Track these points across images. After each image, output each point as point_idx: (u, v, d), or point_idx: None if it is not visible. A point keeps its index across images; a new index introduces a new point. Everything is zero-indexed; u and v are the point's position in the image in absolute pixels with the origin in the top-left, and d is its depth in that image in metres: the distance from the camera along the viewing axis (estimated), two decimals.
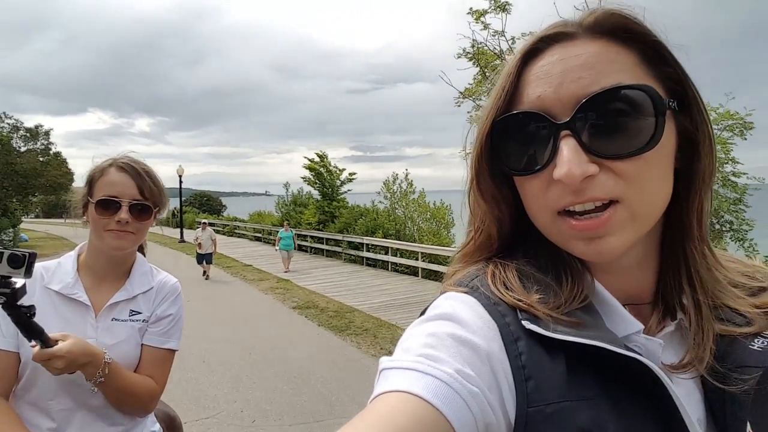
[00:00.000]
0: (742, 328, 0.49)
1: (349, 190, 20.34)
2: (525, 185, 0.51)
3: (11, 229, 21.33)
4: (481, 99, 10.96)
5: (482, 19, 10.58)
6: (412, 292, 10.05)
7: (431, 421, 0.38)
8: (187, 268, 11.52)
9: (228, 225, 26.63)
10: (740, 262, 0.58)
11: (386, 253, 13.38)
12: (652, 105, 0.44)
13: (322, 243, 16.76)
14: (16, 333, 1.13)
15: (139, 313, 1.28)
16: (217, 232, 26.62)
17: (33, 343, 1.05)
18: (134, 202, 1.23)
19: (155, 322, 1.30)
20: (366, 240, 14.30)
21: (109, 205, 1.21)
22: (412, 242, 14.16)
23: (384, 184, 18.28)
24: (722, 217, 9.79)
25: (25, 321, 1.00)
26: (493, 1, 10.21)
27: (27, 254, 0.98)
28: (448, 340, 0.45)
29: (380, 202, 18.29)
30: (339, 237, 15.82)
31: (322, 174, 19.84)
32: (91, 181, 1.26)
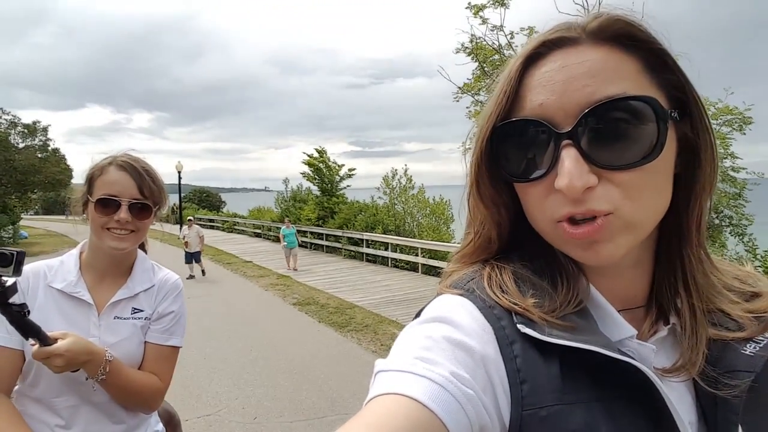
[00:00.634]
0: (734, 333, 0.49)
1: (348, 186, 20.31)
2: (525, 191, 0.51)
3: (11, 226, 21.30)
4: (479, 94, 10.92)
5: (481, 13, 10.54)
6: (412, 287, 10.05)
7: (426, 423, 0.39)
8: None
9: (227, 221, 26.62)
10: (733, 266, 0.59)
11: (386, 249, 13.39)
12: (655, 117, 0.44)
13: (322, 239, 16.75)
14: None
15: (141, 310, 1.29)
16: (217, 228, 26.67)
17: (32, 341, 1.06)
18: (134, 201, 1.23)
19: (157, 319, 1.30)
20: (366, 236, 14.30)
21: (108, 204, 1.21)
22: (411, 238, 14.16)
23: (383, 179, 18.26)
24: (722, 212, 9.80)
25: (19, 319, 1.00)
26: None
27: (15, 253, 0.98)
28: (443, 342, 0.45)
29: (380, 197, 18.26)
30: (339, 233, 15.82)
31: (321, 170, 19.78)
32: (91, 180, 1.26)
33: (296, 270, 12.28)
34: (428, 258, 11.68)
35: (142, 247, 1.41)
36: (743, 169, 9.68)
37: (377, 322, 7.31)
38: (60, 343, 1.06)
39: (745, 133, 9.48)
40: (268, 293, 9.81)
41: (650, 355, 0.49)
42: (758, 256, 9.41)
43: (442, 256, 11.10)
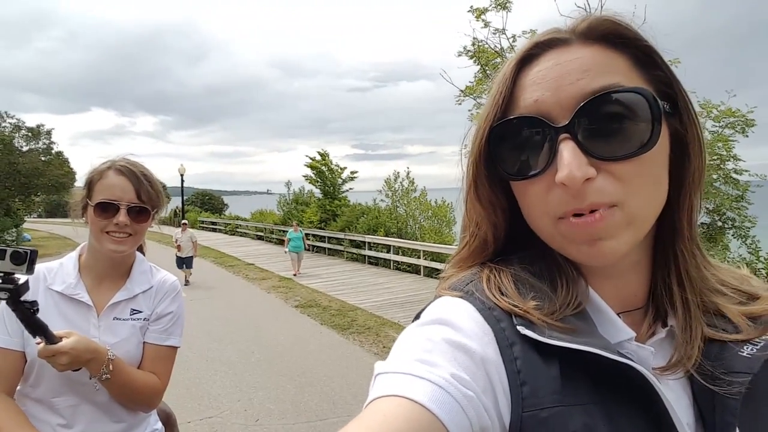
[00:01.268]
0: (732, 335, 0.49)
1: (350, 189, 20.33)
2: (524, 190, 0.51)
3: (14, 229, 21.39)
4: (482, 97, 10.94)
5: (483, 17, 10.56)
6: (414, 290, 10.05)
7: (427, 424, 0.39)
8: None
9: (230, 224, 26.65)
10: (730, 269, 0.59)
11: (388, 252, 13.38)
12: (649, 107, 0.45)
13: (324, 242, 16.76)
14: (21, 333, 1.16)
15: (140, 311, 1.31)
16: (220, 231, 26.70)
17: (38, 339, 1.08)
18: (132, 205, 1.25)
19: (156, 320, 1.32)
20: (368, 238, 14.30)
21: (107, 208, 1.23)
22: (413, 240, 14.15)
23: (385, 182, 18.28)
24: (724, 214, 9.77)
25: (29, 316, 1.04)
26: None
27: (29, 251, 1.02)
28: (443, 344, 0.45)
29: (382, 200, 18.27)
30: (341, 235, 15.81)
31: (323, 172, 19.80)
32: (90, 184, 1.28)
33: (297, 274, 12.08)
34: (430, 260, 11.67)
35: (141, 249, 1.43)
36: (746, 171, 9.66)
37: (379, 324, 7.30)
38: (65, 342, 1.08)
39: (747, 136, 9.45)
40: (270, 296, 9.82)
41: (649, 357, 0.49)
42: (761, 259, 9.37)
43: (444, 258, 11.08)
